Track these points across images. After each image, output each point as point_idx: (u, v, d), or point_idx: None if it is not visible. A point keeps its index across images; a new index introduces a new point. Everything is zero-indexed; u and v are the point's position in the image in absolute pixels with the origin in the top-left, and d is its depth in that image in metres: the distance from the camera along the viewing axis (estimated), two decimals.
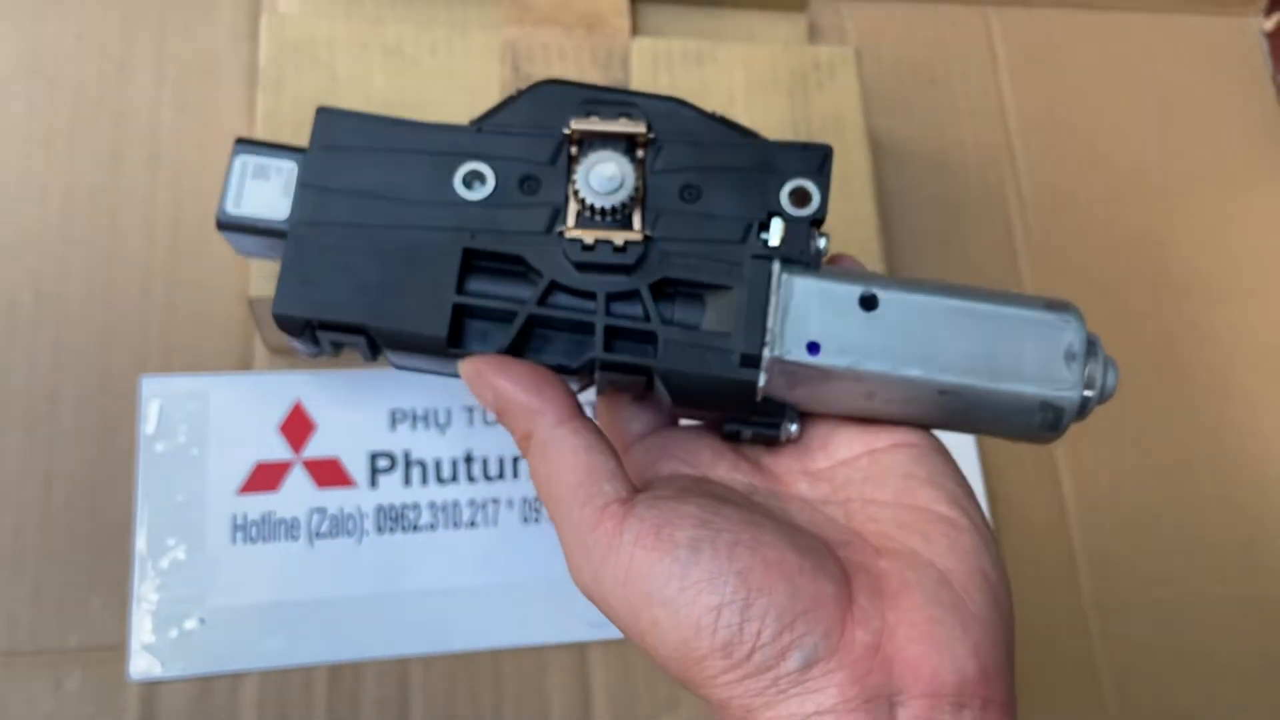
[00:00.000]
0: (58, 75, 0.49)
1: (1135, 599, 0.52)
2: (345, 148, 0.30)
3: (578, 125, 0.29)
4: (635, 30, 0.49)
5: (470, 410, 0.47)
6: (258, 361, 0.47)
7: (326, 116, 0.30)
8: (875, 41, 0.59)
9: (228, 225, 0.30)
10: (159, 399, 0.45)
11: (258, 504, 0.44)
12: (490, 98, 0.46)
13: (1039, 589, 0.52)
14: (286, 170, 0.30)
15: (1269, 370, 0.58)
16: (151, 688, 0.42)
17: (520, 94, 0.30)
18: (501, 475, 0.47)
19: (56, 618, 0.42)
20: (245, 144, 0.31)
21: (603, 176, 0.29)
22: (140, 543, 0.43)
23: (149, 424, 0.45)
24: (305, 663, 0.43)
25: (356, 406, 0.46)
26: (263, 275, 0.42)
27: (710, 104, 0.49)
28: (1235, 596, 0.54)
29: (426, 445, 0.46)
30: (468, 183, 0.29)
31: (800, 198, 0.29)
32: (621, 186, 0.29)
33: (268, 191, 0.30)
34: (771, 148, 0.30)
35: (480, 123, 0.30)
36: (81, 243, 0.47)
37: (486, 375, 0.29)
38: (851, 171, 0.48)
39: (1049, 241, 0.58)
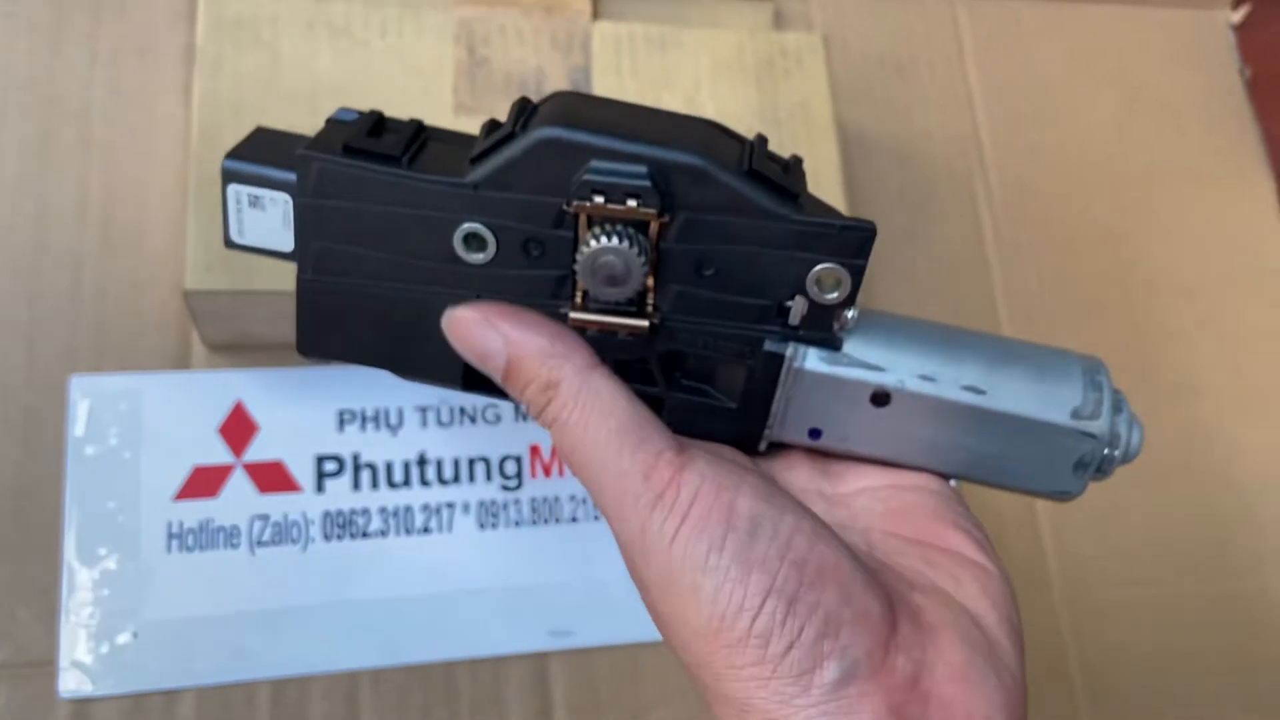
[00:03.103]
0: None
1: (1106, 597, 0.52)
2: (337, 199, 0.28)
3: (580, 206, 0.27)
4: (596, 14, 0.47)
5: (423, 410, 0.46)
6: (195, 360, 0.45)
7: (308, 162, 0.28)
8: (841, 31, 0.59)
9: (236, 248, 0.31)
10: (89, 399, 0.43)
11: (195, 510, 0.43)
12: (444, 81, 0.44)
13: None
14: (281, 201, 0.29)
15: (1236, 366, 0.58)
16: (82, 705, 0.40)
17: (516, 143, 0.27)
18: (457, 479, 0.45)
19: None
20: (234, 172, 0.29)
21: (606, 271, 0.27)
22: (69, 552, 0.41)
23: (78, 426, 0.43)
24: (247, 679, 0.41)
25: (302, 407, 0.45)
26: (199, 266, 0.40)
27: (676, 90, 0.48)
28: (1206, 594, 0.54)
29: (377, 447, 0.45)
30: (468, 244, 0.28)
31: (829, 283, 0.28)
32: (628, 282, 0.27)
33: (268, 221, 0.29)
34: (806, 226, 0.27)
35: (477, 172, 0.27)
36: (7, 232, 0.44)
37: (494, 322, 0.27)
38: (820, 161, 0.48)
39: (1016, 233, 0.58)
